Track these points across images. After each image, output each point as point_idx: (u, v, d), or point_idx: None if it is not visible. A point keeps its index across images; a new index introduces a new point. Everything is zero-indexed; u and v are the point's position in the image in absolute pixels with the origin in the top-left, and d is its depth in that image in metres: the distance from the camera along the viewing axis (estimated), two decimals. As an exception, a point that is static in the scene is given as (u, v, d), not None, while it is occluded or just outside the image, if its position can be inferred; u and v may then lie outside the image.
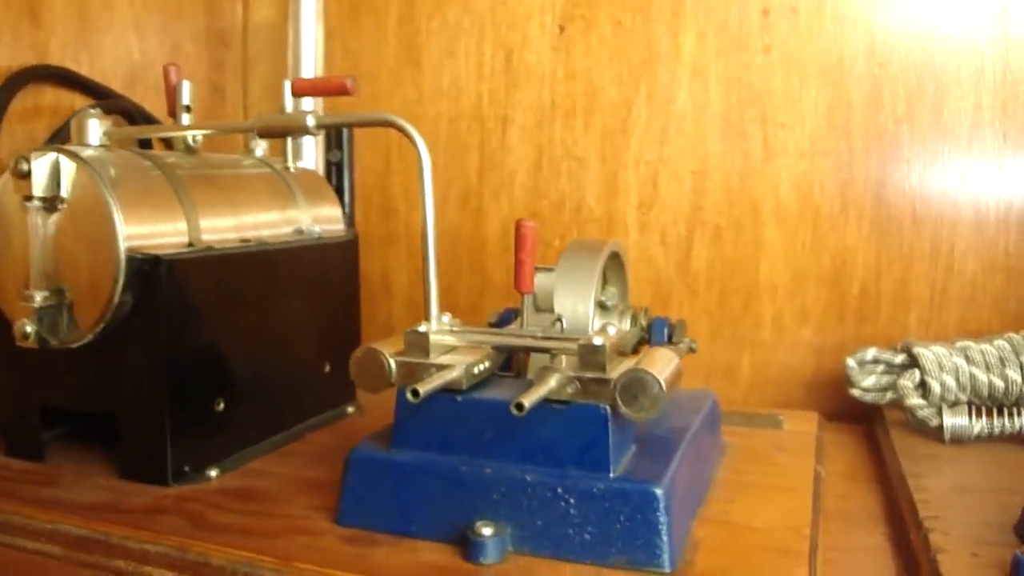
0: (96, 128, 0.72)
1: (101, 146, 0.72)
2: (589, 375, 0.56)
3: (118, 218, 0.67)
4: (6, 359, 0.73)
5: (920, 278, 0.96)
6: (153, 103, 1.00)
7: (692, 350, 0.75)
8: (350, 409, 0.90)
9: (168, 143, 0.86)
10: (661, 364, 0.55)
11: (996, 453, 0.77)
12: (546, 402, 0.55)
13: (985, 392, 0.81)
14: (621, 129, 1.05)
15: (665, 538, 0.54)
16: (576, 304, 0.68)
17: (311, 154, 1.00)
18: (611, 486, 0.55)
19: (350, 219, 0.99)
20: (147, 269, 0.67)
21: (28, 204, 0.67)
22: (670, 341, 0.74)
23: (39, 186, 0.67)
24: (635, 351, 0.74)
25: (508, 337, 0.63)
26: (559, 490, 0.56)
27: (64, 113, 0.94)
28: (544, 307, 0.67)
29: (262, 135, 0.69)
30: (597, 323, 0.68)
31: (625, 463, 0.58)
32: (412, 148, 0.65)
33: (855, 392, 0.88)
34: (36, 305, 0.67)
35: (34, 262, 0.67)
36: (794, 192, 0.99)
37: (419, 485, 0.59)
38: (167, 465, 0.68)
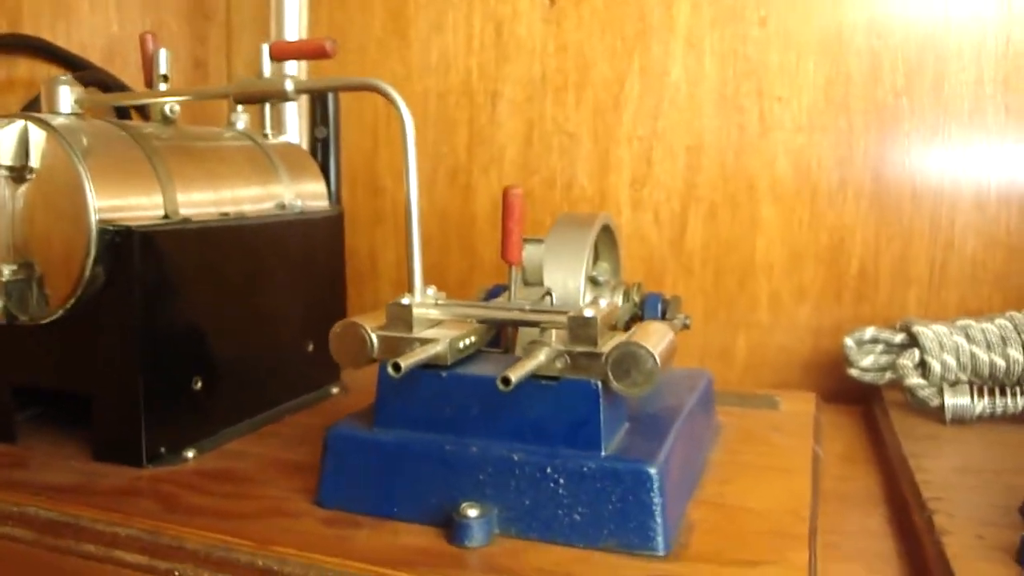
0: (67, 95, 0.69)
1: (73, 114, 0.70)
2: (579, 349, 0.53)
3: (89, 189, 0.64)
4: (-26, 336, 0.70)
5: (920, 256, 0.94)
6: (133, 78, 0.97)
7: (686, 326, 0.72)
8: (334, 390, 0.88)
9: (145, 115, 0.83)
10: (655, 338, 0.53)
11: (998, 433, 0.75)
12: (534, 377, 0.53)
13: (986, 372, 0.79)
14: (613, 104, 1.02)
15: (659, 520, 0.52)
16: (566, 278, 0.66)
17: (295, 130, 0.97)
18: (603, 465, 0.53)
19: (336, 197, 0.96)
20: (119, 241, 0.65)
21: (-5, 174, 0.64)
22: (664, 317, 0.72)
23: (6, 155, 0.64)
24: (627, 328, 0.72)
25: (495, 310, 0.61)
26: (548, 470, 0.54)
27: (39, 87, 0.91)
28: (533, 281, 0.65)
29: (239, 101, 0.66)
30: (588, 299, 0.66)
31: (617, 441, 0.56)
32: (397, 118, 0.62)
33: (853, 372, 0.86)
34: (4, 279, 0.65)
35: (2, 235, 0.65)
36: (791, 168, 0.97)
37: (402, 465, 0.57)
38: (141, 446, 0.66)
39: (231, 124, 0.86)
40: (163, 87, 0.76)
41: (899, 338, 0.84)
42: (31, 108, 0.87)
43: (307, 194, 0.88)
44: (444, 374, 0.57)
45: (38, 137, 0.65)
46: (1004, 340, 0.79)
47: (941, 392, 0.79)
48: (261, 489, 0.62)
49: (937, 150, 0.92)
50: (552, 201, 1.04)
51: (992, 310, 0.88)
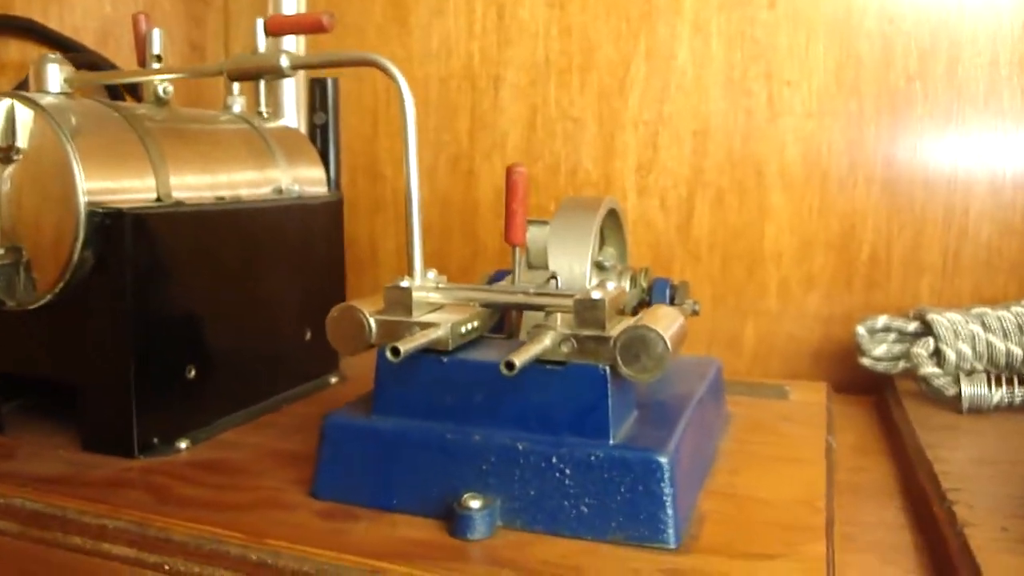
0: (56, 74, 0.67)
1: (62, 94, 0.67)
2: (587, 333, 0.51)
3: (78, 170, 0.62)
4: (-41, 322, 0.68)
5: (933, 243, 0.92)
6: (127, 61, 0.95)
7: (695, 312, 0.70)
8: (333, 379, 0.86)
9: (138, 98, 0.81)
10: (665, 322, 0.51)
11: (1015, 423, 0.73)
12: (540, 362, 0.51)
13: (1002, 361, 0.77)
14: (619, 88, 1.00)
15: (670, 511, 0.49)
16: (572, 263, 0.64)
17: (293, 116, 0.95)
18: (611, 454, 0.51)
19: (336, 184, 0.94)
20: (109, 224, 0.63)
21: (-20, 155, 0.62)
22: (672, 303, 0.69)
23: (-8, 135, 0.62)
24: (634, 314, 0.70)
25: (498, 293, 0.58)
26: (554, 459, 0.51)
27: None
28: (537, 264, 0.62)
29: (233, 77, 0.64)
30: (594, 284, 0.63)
31: (626, 430, 0.53)
32: (397, 99, 0.60)
33: (866, 361, 0.84)
34: (-10, 263, 0.62)
35: (-12, 217, 0.63)
36: (800, 153, 0.94)
37: (401, 454, 0.54)
38: (133, 436, 0.64)
39: (227, 107, 0.84)
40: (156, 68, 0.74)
41: (912, 326, 0.82)
42: (20, 90, 0.85)
43: (305, 179, 0.86)
44: (445, 359, 0.55)
45: (25, 116, 0.63)
46: (1021, 328, 0.77)
47: (956, 381, 0.77)
48: (255, 480, 0.60)
49: (951, 135, 0.90)
50: (556, 187, 1.02)
51: (1007, 298, 0.86)
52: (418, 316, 0.55)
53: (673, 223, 0.99)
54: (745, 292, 0.97)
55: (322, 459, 0.57)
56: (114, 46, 0.99)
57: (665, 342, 0.49)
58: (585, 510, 0.51)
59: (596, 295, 0.51)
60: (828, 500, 0.57)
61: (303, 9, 0.98)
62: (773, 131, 0.95)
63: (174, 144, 0.71)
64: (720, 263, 0.97)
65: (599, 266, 0.68)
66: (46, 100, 0.64)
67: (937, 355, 0.78)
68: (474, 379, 0.54)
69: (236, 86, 0.84)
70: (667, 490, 0.49)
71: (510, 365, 0.47)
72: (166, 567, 0.52)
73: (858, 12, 0.91)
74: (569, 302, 0.52)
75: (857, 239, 0.94)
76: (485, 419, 0.54)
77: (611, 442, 0.51)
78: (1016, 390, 0.75)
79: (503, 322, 0.64)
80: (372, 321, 0.55)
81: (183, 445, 0.67)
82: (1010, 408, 0.75)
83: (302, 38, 0.89)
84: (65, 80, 0.67)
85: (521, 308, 0.59)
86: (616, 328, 0.51)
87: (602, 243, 0.72)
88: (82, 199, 0.62)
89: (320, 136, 0.96)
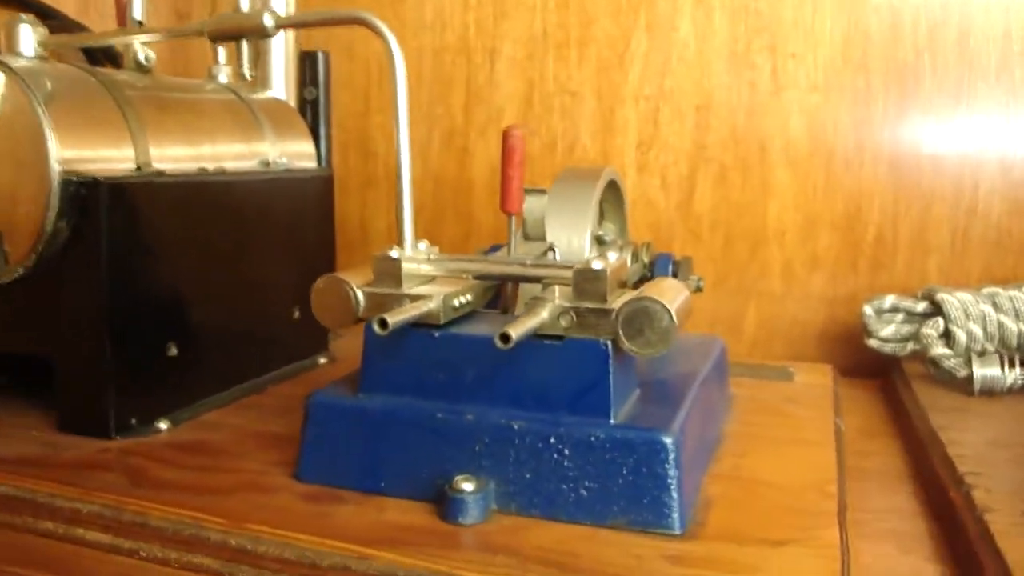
0: (29, 36, 0.64)
1: (36, 57, 0.64)
2: (587, 305, 0.48)
3: (51, 136, 0.59)
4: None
5: (941, 222, 0.89)
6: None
7: (699, 289, 0.67)
8: (322, 359, 0.83)
9: (117, 67, 0.78)
10: (671, 294, 0.48)
11: (1028, 405, 0.71)
12: (537, 337, 0.48)
13: (1014, 341, 0.75)
14: (618, 61, 0.96)
15: (675, 495, 0.47)
16: (571, 235, 0.61)
17: (282, 90, 0.91)
18: (612, 435, 0.48)
19: (326, 161, 0.91)
20: (85, 193, 0.59)
21: (-53, 119, 0.59)
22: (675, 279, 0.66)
23: (-41, 99, 0.59)
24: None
25: (493, 264, 0.55)
26: (551, 439, 0.48)
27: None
28: (534, 235, 0.59)
29: (214, 38, 0.61)
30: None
31: (628, 409, 0.50)
32: (390, 85, 0.57)
33: (873, 343, 0.81)
34: (-41, 235, 0.59)
35: (-44, 186, 0.60)
36: (805, 129, 0.91)
37: (389, 434, 0.51)
38: (109, 416, 0.61)
39: (212, 76, 0.81)
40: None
41: (921, 307, 0.80)
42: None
43: (294, 153, 0.83)
44: (436, 334, 0.52)
45: (-4, 80, 0.59)
46: (1033, 309, 0.74)
47: (967, 363, 0.74)
48: (237, 462, 0.57)
49: (961, 110, 0.87)
50: (553, 164, 0.99)
51: (1018, 279, 0.84)
52: (408, 288, 0.53)
53: (674, 201, 0.96)
54: (747, 272, 0.94)
55: (306, 440, 0.54)
56: (95, 15, 0.96)
57: (671, 315, 0.46)
58: (584, 493, 0.48)
59: (597, 265, 0.48)
60: (840, 484, 0.55)
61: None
62: (777, 105, 0.92)
63: (155, 112, 0.68)
64: (722, 242, 0.95)
65: (599, 240, 0.66)
66: (18, 63, 0.61)
67: (947, 336, 0.76)
68: (467, 355, 0.51)
69: (222, 54, 0.81)
70: (672, 472, 0.47)
71: (505, 337, 0.44)
72: (142, 553, 0.49)
73: (866, -18, 0.88)
74: (568, 273, 0.50)
75: (863, 218, 0.91)
76: (478, 397, 0.51)
77: (612, 421, 0.49)
78: (1031, 372, 0.72)
79: (498, 298, 0.61)
80: (359, 293, 0.52)
81: (163, 426, 0.64)
82: (1023, 390, 0.73)
83: (291, 8, 0.86)
84: (39, 43, 0.64)
85: (517, 280, 0.56)
86: (618, 301, 0.48)
87: (601, 218, 0.69)
88: (55, 167, 0.59)
89: (311, 111, 0.93)
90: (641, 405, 0.52)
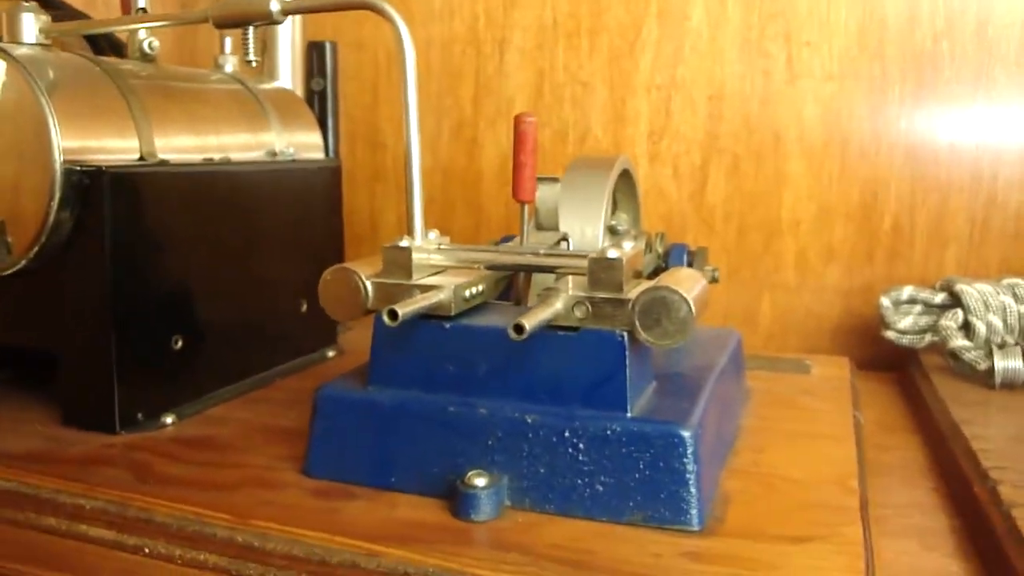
0: (31, 23, 0.63)
1: (38, 45, 0.63)
2: (602, 295, 0.47)
3: (53, 125, 0.58)
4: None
5: (959, 212, 0.87)
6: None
7: (715, 280, 0.66)
8: (330, 353, 0.81)
9: (122, 56, 0.77)
10: (688, 283, 0.46)
11: (1050, 399, 0.69)
12: (551, 328, 0.47)
13: (1035, 334, 0.73)
14: (629, 50, 0.95)
15: (693, 490, 0.45)
16: (584, 226, 0.59)
17: (289, 82, 0.90)
18: (629, 428, 0.46)
19: (334, 152, 0.90)
20: (88, 183, 0.58)
21: (-52, 108, 0.58)
22: (690, 270, 0.65)
23: (-39, 88, 0.58)
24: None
25: (505, 254, 0.54)
26: (566, 433, 0.47)
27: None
28: (547, 225, 0.58)
29: (218, 24, 0.59)
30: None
31: (644, 402, 0.49)
32: (398, 75, 0.55)
33: (890, 335, 0.79)
34: (-39, 226, 0.58)
35: (-42, 176, 0.59)
36: (820, 118, 0.90)
37: (400, 429, 0.50)
38: (114, 410, 0.60)
39: (218, 66, 0.80)
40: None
41: (939, 298, 0.78)
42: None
43: (301, 144, 0.81)
44: (448, 325, 0.50)
45: (-3, 68, 0.58)
46: (1055, 300, 0.73)
47: (987, 355, 0.72)
48: (244, 457, 0.56)
49: (980, 98, 0.86)
50: (564, 155, 0.97)
51: (1037, 269, 0.82)
52: (418, 279, 0.51)
53: (686, 191, 0.94)
54: (761, 264, 0.93)
55: (315, 434, 0.52)
56: (101, 6, 0.95)
57: (689, 305, 0.44)
58: (600, 489, 0.47)
59: (613, 254, 0.47)
60: (861, 479, 0.53)
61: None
62: (791, 94, 0.90)
63: (159, 102, 0.67)
64: (735, 233, 0.93)
65: (612, 231, 0.64)
66: (20, 51, 0.60)
67: (966, 328, 0.74)
68: (479, 346, 0.49)
69: (228, 44, 0.80)
70: (690, 467, 0.45)
71: (519, 328, 0.43)
72: (146, 550, 0.48)
73: (882, -31, 0.87)
74: (583, 263, 0.48)
75: (879, 209, 0.89)
76: (491, 390, 0.49)
77: (629, 415, 0.47)
78: (1053, 364, 0.71)
79: (510, 289, 0.59)
80: (368, 284, 0.51)
81: (169, 420, 0.63)
82: (1045, 383, 0.71)
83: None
84: (41, 30, 0.62)
85: (530, 270, 0.54)
86: (634, 291, 0.47)
87: (614, 208, 0.67)
88: (58, 157, 0.58)
89: (318, 102, 0.92)
90: (658, 398, 0.50)
